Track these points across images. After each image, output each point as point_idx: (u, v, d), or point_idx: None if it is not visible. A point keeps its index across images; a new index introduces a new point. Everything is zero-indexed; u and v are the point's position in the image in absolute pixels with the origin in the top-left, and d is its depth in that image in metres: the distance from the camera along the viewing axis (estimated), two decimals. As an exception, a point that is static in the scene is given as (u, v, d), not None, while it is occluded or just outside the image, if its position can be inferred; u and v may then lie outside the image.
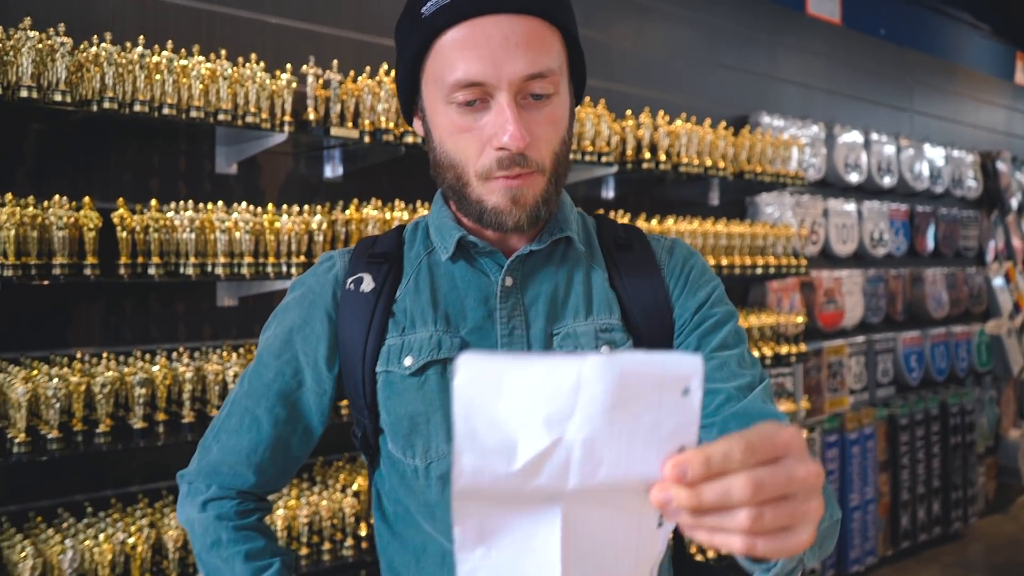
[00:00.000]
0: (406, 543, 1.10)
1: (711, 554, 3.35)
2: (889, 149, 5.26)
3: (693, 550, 3.44)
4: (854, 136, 4.97)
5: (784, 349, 3.84)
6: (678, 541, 1.23)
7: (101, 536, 2.15)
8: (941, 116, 5.99)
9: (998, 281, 6.29)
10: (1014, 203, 6.40)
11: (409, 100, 1.08)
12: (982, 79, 6.45)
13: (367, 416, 1.09)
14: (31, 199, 2.12)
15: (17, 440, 2.03)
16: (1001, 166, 6.20)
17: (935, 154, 5.67)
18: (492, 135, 0.97)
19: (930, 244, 5.66)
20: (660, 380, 0.53)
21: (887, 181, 5.22)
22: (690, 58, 4.22)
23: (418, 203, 2.80)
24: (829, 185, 4.91)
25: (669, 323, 1.09)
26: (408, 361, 1.05)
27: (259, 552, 1.10)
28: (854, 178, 4.95)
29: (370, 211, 2.60)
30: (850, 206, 4.98)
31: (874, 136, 5.14)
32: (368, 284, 1.09)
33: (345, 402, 2.15)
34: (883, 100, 5.46)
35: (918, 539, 5.27)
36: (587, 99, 3.24)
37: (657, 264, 1.12)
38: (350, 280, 1.10)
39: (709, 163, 3.57)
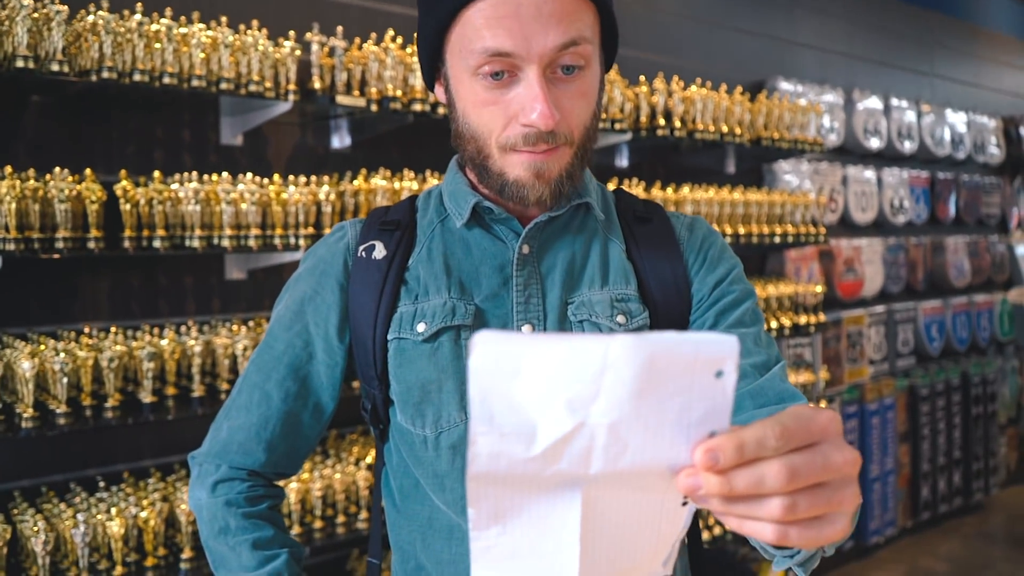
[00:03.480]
0: (412, 518, 1.07)
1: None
2: (910, 115, 5.15)
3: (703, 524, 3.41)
4: (873, 102, 4.87)
5: (803, 319, 3.78)
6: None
7: (113, 510, 2.14)
8: (963, 80, 5.86)
9: (1021, 249, 6.19)
10: (1038, 169, 6.27)
11: (431, 66, 1.04)
12: (1005, 41, 6.30)
13: (377, 387, 1.06)
14: (32, 172, 2.08)
15: (25, 415, 2.01)
16: (1025, 131, 6.08)
17: (957, 119, 5.56)
18: (519, 110, 0.94)
19: (951, 212, 5.56)
20: (692, 362, 0.50)
21: (907, 147, 5.11)
22: (705, 22, 4.12)
23: (427, 172, 2.75)
24: (848, 152, 4.82)
25: (686, 298, 1.07)
26: (421, 327, 1.02)
27: (267, 542, 1.08)
28: (874, 144, 4.85)
29: (378, 181, 2.55)
30: (869, 173, 4.89)
31: (894, 101, 5.03)
32: (380, 251, 1.07)
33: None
34: (903, 64, 5.34)
35: (939, 510, 5.25)
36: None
37: (676, 239, 1.10)
38: (361, 248, 1.08)
39: (725, 129, 3.49)
